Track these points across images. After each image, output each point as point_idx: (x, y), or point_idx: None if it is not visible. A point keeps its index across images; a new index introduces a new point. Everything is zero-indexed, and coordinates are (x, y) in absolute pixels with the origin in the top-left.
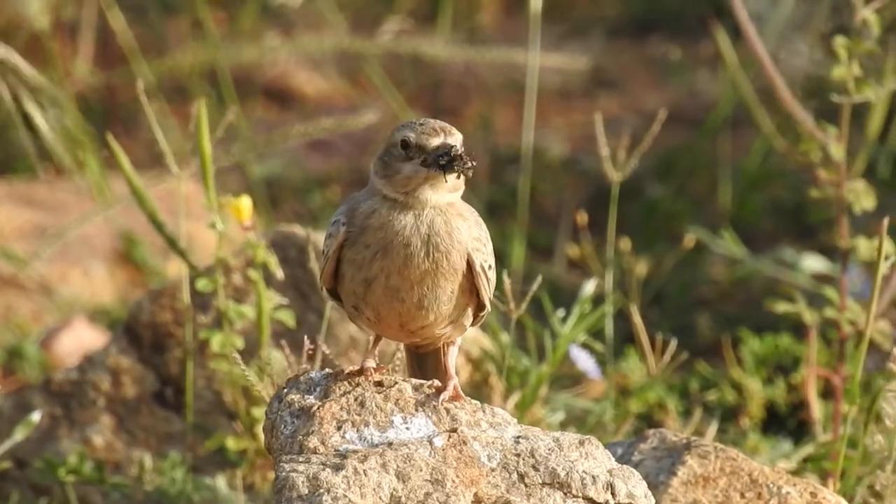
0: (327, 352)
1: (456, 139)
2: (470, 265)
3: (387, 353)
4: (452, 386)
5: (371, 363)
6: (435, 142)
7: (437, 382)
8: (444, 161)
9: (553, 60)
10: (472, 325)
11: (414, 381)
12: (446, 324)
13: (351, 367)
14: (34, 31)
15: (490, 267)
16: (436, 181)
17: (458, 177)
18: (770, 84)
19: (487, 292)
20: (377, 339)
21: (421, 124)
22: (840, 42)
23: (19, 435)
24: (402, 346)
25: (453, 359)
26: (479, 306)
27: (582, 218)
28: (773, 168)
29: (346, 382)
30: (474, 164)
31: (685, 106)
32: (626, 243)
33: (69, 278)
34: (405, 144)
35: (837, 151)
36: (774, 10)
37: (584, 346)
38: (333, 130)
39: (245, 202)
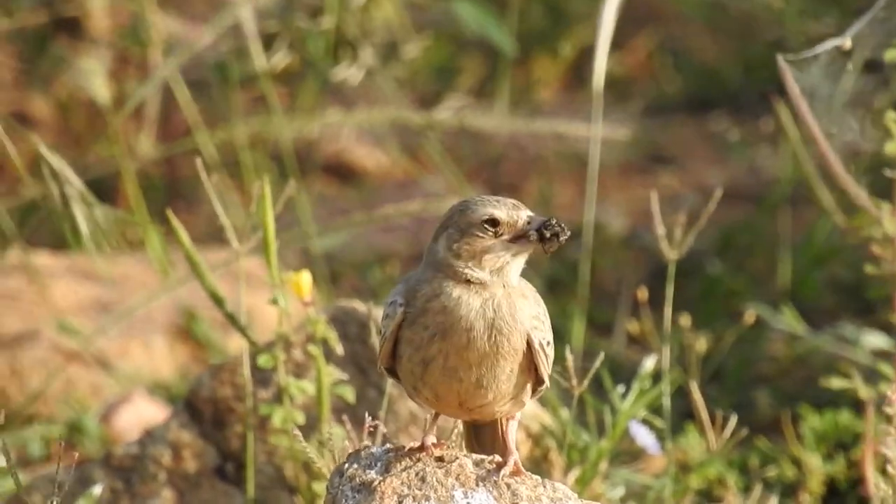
0: (385, 431)
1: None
2: (529, 344)
3: (446, 428)
4: (513, 461)
5: (431, 439)
6: (524, 216)
7: (497, 458)
8: (549, 233)
9: (600, 139)
10: (531, 399)
11: (475, 456)
12: (506, 401)
13: (412, 443)
14: (96, 106)
15: (549, 343)
16: (522, 257)
17: (555, 249)
18: (822, 159)
19: (546, 369)
20: (436, 415)
21: (497, 201)
22: (891, 117)
23: None
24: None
25: (513, 434)
26: (538, 381)
27: (642, 294)
28: (833, 245)
29: (406, 457)
30: (569, 233)
31: (745, 182)
32: (685, 319)
33: (129, 352)
34: (494, 223)
35: (891, 226)
36: (826, 85)
37: (644, 421)
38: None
39: (305, 277)
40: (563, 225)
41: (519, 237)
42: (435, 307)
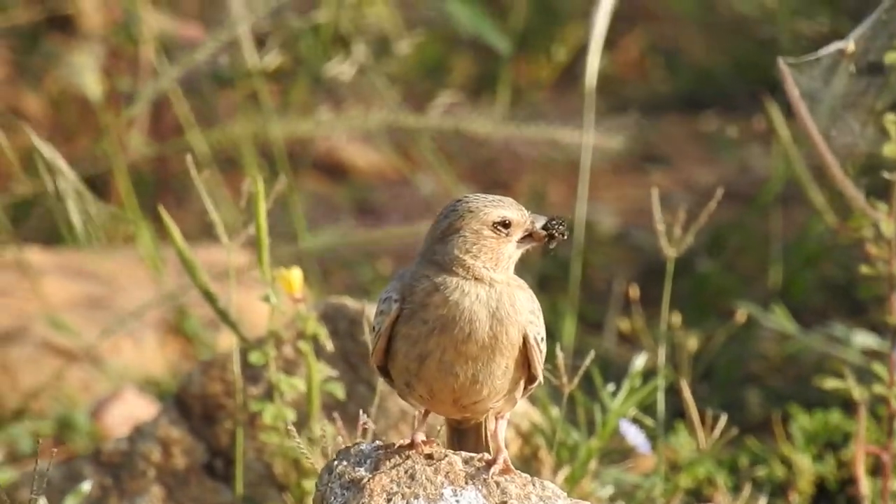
0: (373, 427)
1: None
2: (524, 339)
3: (435, 426)
4: (503, 459)
5: (421, 436)
6: (527, 215)
7: (487, 455)
8: (556, 232)
9: (592, 138)
10: (522, 396)
11: (464, 454)
12: (499, 398)
13: (401, 441)
14: (88, 102)
15: (542, 339)
16: (522, 252)
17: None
18: (821, 161)
19: (540, 364)
20: (426, 412)
21: (501, 201)
22: (890, 119)
23: None
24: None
25: (503, 432)
26: (530, 378)
27: (633, 292)
28: (824, 244)
29: (396, 455)
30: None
31: (736, 182)
32: (676, 318)
33: (120, 348)
34: (506, 224)
35: (888, 228)
36: (827, 88)
37: (635, 420)
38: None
39: (296, 274)
40: (565, 222)
41: (527, 236)
42: (437, 301)
